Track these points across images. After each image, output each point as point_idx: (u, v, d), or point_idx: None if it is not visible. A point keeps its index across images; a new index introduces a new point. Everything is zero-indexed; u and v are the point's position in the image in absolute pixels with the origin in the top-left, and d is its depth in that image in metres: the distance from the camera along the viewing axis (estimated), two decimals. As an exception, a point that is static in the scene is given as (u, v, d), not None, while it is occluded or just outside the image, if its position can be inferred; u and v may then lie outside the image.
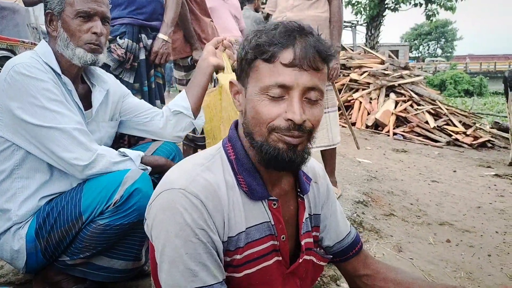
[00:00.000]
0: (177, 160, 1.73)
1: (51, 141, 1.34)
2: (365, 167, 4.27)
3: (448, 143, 7.33)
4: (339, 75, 2.89)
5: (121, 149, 1.49)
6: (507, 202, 3.64)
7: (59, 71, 1.43)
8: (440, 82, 26.43)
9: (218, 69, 1.68)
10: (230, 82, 1.00)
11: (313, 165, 1.16)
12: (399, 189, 3.62)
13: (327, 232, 1.15)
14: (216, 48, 1.67)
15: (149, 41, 2.27)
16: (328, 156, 3.03)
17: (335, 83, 8.92)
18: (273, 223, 0.97)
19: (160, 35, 2.26)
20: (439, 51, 48.15)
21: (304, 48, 0.87)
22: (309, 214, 1.09)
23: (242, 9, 4.84)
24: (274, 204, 0.98)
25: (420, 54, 46.85)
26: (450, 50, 47.60)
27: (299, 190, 1.05)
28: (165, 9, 2.35)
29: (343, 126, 7.68)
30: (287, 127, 0.88)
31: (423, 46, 48.60)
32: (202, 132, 2.04)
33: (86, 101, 1.53)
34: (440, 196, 3.62)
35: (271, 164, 0.91)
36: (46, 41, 1.52)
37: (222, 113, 1.78)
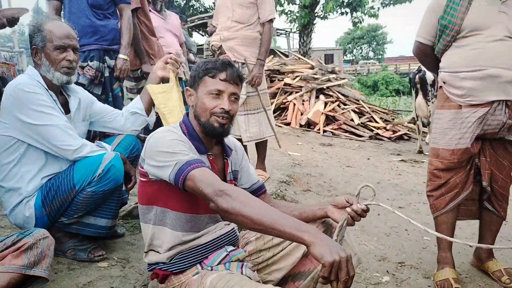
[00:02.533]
0: (137, 148, 2.38)
1: (49, 134, 1.94)
2: (293, 158, 5.06)
3: (370, 137, 8.33)
4: (260, 82, 3.60)
5: (96, 141, 2.13)
6: (402, 179, 4.57)
7: (46, 87, 2.03)
8: (373, 83, 28.14)
9: (164, 79, 2.32)
10: (186, 89, 1.69)
11: (234, 141, 1.86)
12: (317, 172, 4.43)
13: (243, 179, 1.85)
14: (166, 63, 2.31)
15: (112, 61, 2.93)
16: (261, 147, 3.75)
17: (270, 87, 9.71)
18: (210, 168, 1.64)
19: (121, 55, 2.93)
20: (371, 54, 51.05)
21: (231, 73, 1.62)
22: (231, 169, 1.78)
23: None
24: (211, 156, 1.67)
25: (354, 57, 49.46)
26: (381, 53, 50.59)
27: (225, 154, 1.75)
28: (121, 35, 3.01)
29: (279, 126, 8.52)
30: (220, 113, 1.59)
31: (357, 49, 51.34)
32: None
33: (65, 108, 2.13)
34: (350, 176, 4.48)
35: (209, 134, 1.63)
36: (32, 66, 2.11)
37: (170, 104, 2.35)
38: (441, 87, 2.36)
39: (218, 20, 3.82)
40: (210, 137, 1.66)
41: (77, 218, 2.04)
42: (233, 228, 1.73)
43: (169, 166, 1.48)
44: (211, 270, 1.58)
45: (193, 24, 15.54)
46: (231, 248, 1.66)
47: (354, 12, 15.32)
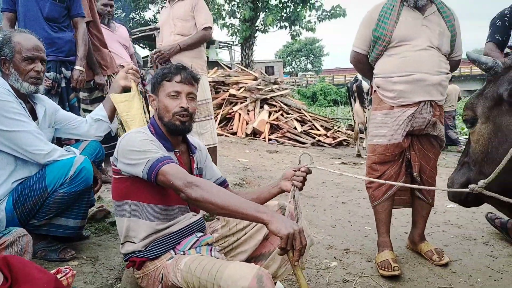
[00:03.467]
0: (101, 153, 2.51)
1: (21, 140, 2.04)
2: (243, 163, 5.30)
3: (313, 144, 8.78)
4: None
5: (65, 146, 2.24)
6: (343, 178, 4.95)
7: (15, 95, 2.13)
8: (312, 93, 29.22)
9: (126, 88, 2.46)
10: (149, 95, 1.86)
11: (198, 141, 2.06)
12: (267, 175, 4.70)
13: (208, 175, 2.04)
14: (127, 73, 2.45)
15: (68, 72, 3.02)
16: (211, 152, 3.95)
17: (215, 98, 9.84)
18: (178, 164, 1.82)
19: (77, 67, 3.03)
20: (309, 66, 52.75)
21: (185, 75, 1.80)
22: (197, 166, 1.98)
23: None
24: (178, 153, 1.85)
25: (293, 69, 50.85)
26: (319, 65, 52.46)
27: (190, 151, 1.94)
28: (77, 47, 3.11)
29: (226, 136, 8.74)
30: (180, 111, 1.77)
31: (295, 62, 52.80)
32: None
33: (32, 115, 2.23)
34: (311, 179, 4.78)
35: (173, 132, 1.81)
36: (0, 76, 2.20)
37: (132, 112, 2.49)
38: (375, 91, 2.70)
39: (162, 36, 4.02)
40: (174, 135, 1.84)
41: (47, 220, 2.14)
42: (201, 217, 1.92)
43: (141, 164, 1.65)
44: (184, 254, 1.76)
45: (135, 36, 15.43)
46: (201, 234, 1.86)
47: (292, 26, 15.98)
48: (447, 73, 2.57)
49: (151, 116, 2.01)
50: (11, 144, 2.04)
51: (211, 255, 1.78)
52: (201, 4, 3.87)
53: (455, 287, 2.43)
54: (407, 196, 2.88)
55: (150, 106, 2.24)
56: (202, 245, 1.81)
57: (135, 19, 29.84)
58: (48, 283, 0.83)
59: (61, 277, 1.18)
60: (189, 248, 1.79)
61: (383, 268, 2.56)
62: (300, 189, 1.92)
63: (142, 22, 30.10)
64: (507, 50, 3.00)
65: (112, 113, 2.50)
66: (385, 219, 2.73)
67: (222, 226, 1.98)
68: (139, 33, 16.49)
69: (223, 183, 2.10)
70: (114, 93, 2.40)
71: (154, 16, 30.00)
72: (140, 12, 31.03)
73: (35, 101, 2.27)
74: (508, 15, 3.06)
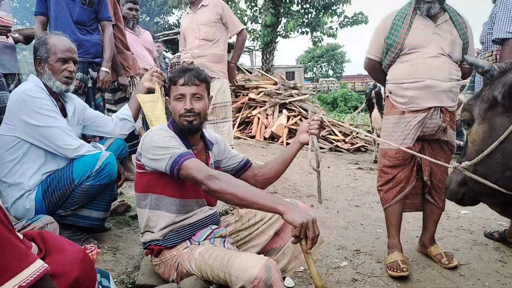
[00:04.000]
0: (125, 150, 2.66)
1: (51, 135, 2.20)
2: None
3: (330, 149, 8.81)
4: (235, 78, 4.31)
5: (92, 142, 2.40)
6: (359, 183, 5.01)
7: (47, 93, 2.29)
8: (332, 100, 29.14)
9: (150, 90, 2.60)
10: (167, 99, 1.99)
11: (215, 136, 2.17)
12: (283, 177, 4.78)
13: (230, 162, 2.17)
14: (152, 75, 2.60)
15: (94, 73, 3.19)
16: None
17: (235, 102, 10.00)
18: None
19: (103, 68, 3.20)
20: (331, 72, 52.61)
21: (188, 76, 1.91)
22: (213, 161, 2.09)
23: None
24: (195, 150, 1.97)
25: (314, 75, 50.79)
26: (340, 71, 52.27)
27: (206, 148, 2.06)
28: (103, 49, 3.28)
29: (244, 139, 8.87)
30: (184, 113, 1.89)
31: (317, 67, 52.72)
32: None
33: (62, 112, 2.39)
34: (312, 181, 4.87)
35: (183, 132, 1.92)
36: (34, 75, 2.36)
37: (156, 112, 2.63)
38: (387, 96, 2.78)
39: (186, 40, 4.21)
40: (187, 134, 1.95)
41: (73, 211, 2.28)
42: (216, 211, 2.04)
43: (164, 159, 1.78)
44: (198, 244, 1.89)
45: (157, 41, 15.72)
46: (215, 226, 1.98)
47: (313, 32, 16.06)
48: (458, 80, 2.63)
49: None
50: (43, 138, 2.20)
51: (224, 247, 1.90)
52: (228, 10, 4.10)
53: (463, 289, 2.48)
54: (418, 200, 2.94)
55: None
56: (216, 237, 1.93)
57: (159, 23, 30.40)
58: (78, 253, 0.95)
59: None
60: (204, 239, 1.91)
61: (392, 269, 2.63)
62: (318, 136, 2.10)
63: (166, 26, 30.63)
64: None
65: (137, 113, 2.65)
66: (396, 221, 2.80)
67: (236, 220, 2.10)
68: (163, 37, 16.79)
69: (246, 164, 2.22)
70: (139, 93, 2.54)
71: (177, 20, 30.50)
72: (164, 16, 31.62)
73: (66, 100, 2.43)
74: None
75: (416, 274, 2.67)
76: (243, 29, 4.15)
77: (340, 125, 10.14)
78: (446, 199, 2.82)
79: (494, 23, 2.92)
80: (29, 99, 2.17)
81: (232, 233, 2.07)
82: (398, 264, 2.63)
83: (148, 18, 28.27)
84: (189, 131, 1.93)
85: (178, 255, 1.86)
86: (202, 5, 4.04)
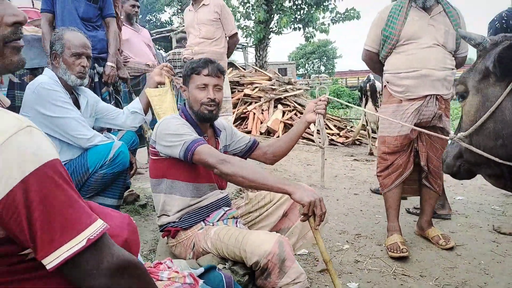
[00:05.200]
0: (136, 142, 2.76)
1: (66, 125, 2.29)
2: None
3: (319, 147, 8.93)
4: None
5: (105, 133, 2.50)
6: (356, 173, 5.15)
7: (62, 86, 2.38)
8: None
9: (160, 84, 2.70)
10: (181, 86, 2.09)
11: (222, 122, 2.27)
12: (282, 168, 4.92)
13: (238, 144, 2.27)
14: (161, 70, 2.69)
15: (100, 68, 3.28)
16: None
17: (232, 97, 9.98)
18: None
19: (109, 63, 3.28)
20: (322, 68, 52.74)
21: (212, 68, 2.02)
22: (222, 146, 2.20)
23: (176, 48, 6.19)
24: (206, 137, 2.07)
25: (306, 71, 50.90)
26: (332, 67, 52.42)
27: (216, 135, 2.17)
28: (108, 44, 3.37)
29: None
30: (208, 102, 2.00)
31: (309, 64, 52.82)
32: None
33: (75, 105, 2.49)
34: (311, 172, 5.01)
35: (202, 120, 2.03)
36: (49, 68, 2.45)
37: (164, 105, 2.73)
38: (385, 86, 2.91)
39: (189, 38, 4.36)
40: (202, 122, 2.07)
41: (88, 198, 2.38)
42: (227, 194, 2.16)
43: (178, 146, 1.88)
44: (213, 225, 2.00)
45: (152, 38, 15.78)
46: (227, 208, 2.09)
47: (306, 28, 16.17)
48: (452, 69, 2.76)
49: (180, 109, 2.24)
50: (58, 129, 2.29)
51: (237, 226, 2.01)
52: (226, 11, 4.26)
53: (460, 268, 2.61)
54: (415, 185, 3.07)
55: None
56: (228, 218, 2.04)
57: (151, 21, 30.37)
58: (124, 218, 1.05)
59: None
60: (217, 220, 2.02)
61: (392, 250, 2.76)
62: (324, 116, 2.23)
63: (158, 24, 30.60)
64: None
65: (147, 106, 2.73)
66: (395, 205, 2.93)
67: (246, 203, 2.21)
68: (156, 35, 16.85)
69: (254, 144, 2.33)
70: (149, 87, 2.64)
71: (169, 18, 30.51)
72: (157, 14, 31.57)
73: (79, 93, 2.52)
74: (505, 18, 3.25)
75: (415, 254, 2.80)
76: (236, 33, 4.40)
77: (335, 119, 10.29)
78: (443, 180, 3.00)
79: None
80: (44, 91, 2.26)
81: (243, 214, 2.18)
82: (398, 245, 2.76)
83: (140, 15, 28.21)
84: (208, 119, 2.05)
85: (194, 235, 1.97)
86: (203, 4, 4.18)
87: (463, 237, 3.11)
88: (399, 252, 2.72)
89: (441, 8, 2.75)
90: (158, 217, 2.08)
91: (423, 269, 2.59)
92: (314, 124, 2.26)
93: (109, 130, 2.81)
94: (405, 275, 2.51)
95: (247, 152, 2.31)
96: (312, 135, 9.15)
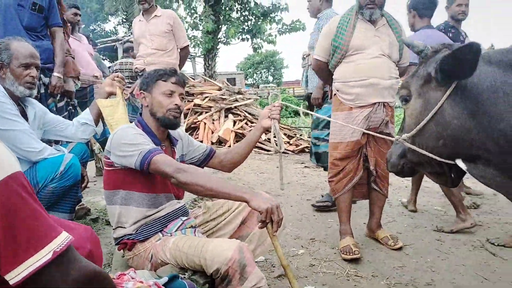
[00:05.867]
0: (87, 154, 2.69)
1: (15, 139, 2.20)
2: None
3: (276, 151, 9.07)
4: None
5: (54, 145, 2.42)
6: (307, 179, 5.27)
7: (9, 97, 2.29)
8: (273, 105, 29.67)
9: (111, 94, 2.65)
10: (140, 92, 2.07)
11: (178, 132, 2.26)
12: (236, 177, 4.95)
13: (195, 153, 2.28)
14: (113, 80, 2.65)
15: (46, 79, 3.17)
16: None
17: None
18: None
19: (55, 74, 3.18)
20: (270, 78, 53.49)
21: (179, 77, 2.04)
22: (179, 155, 2.20)
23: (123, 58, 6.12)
24: (163, 147, 2.06)
25: (254, 81, 51.39)
26: (279, 77, 53.30)
27: (172, 144, 2.16)
28: (55, 55, 3.27)
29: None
30: (174, 108, 2.00)
31: (257, 74, 53.41)
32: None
33: (23, 117, 2.39)
34: (264, 180, 5.07)
35: (166, 126, 2.03)
36: None
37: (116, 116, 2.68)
38: (335, 94, 3.02)
39: (139, 48, 4.32)
40: (166, 128, 2.06)
41: (38, 213, 2.29)
42: (184, 204, 2.15)
43: (134, 155, 1.86)
44: (171, 235, 1.98)
45: (97, 47, 15.36)
46: (185, 217, 2.08)
47: (254, 38, 16.41)
48: (397, 78, 2.92)
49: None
50: (6, 142, 2.19)
51: (195, 236, 2.01)
52: (179, 22, 4.28)
53: (408, 266, 2.74)
54: (365, 189, 3.20)
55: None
56: (187, 228, 2.04)
57: (95, 31, 29.56)
58: (86, 230, 1.03)
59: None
60: (175, 230, 2.01)
61: (345, 253, 2.85)
62: (278, 121, 2.30)
63: (103, 33, 29.84)
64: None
65: (98, 117, 2.67)
66: (346, 209, 3.04)
67: (204, 212, 2.21)
68: (100, 44, 16.42)
69: (210, 152, 2.35)
70: (100, 98, 2.58)
71: (114, 28, 29.85)
72: (101, 23, 30.78)
73: (26, 104, 2.43)
74: (443, 31, 3.51)
75: (367, 256, 2.91)
76: (188, 45, 4.44)
77: (284, 128, 10.47)
78: (389, 185, 3.15)
79: None
80: None
81: (201, 224, 2.18)
82: (350, 248, 2.86)
83: (83, 25, 27.41)
84: (173, 125, 2.05)
85: (152, 247, 1.95)
86: (156, 15, 4.17)
87: (410, 237, 3.26)
88: (351, 254, 2.82)
89: (385, 20, 2.91)
90: (113, 229, 2.03)
91: (374, 269, 2.70)
92: (270, 130, 2.31)
93: (57, 142, 2.72)
94: (358, 276, 2.61)
95: (204, 161, 2.32)
96: (264, 144, 9.31)
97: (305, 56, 4.59)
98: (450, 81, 1.54)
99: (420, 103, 1.67)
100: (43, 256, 0.80)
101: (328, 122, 3.71)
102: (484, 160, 1.53)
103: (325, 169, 3.86)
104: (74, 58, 4.07)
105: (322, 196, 4.08)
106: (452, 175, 1.75)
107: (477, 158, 1.55)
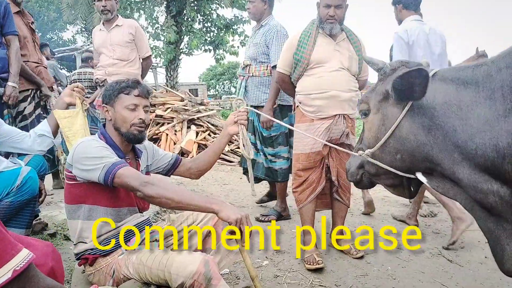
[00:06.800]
0: (44, 167, 2.60)
1: None
2: (175, 179, 5.45)
3: (239, 162, 9.08)
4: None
5: (11, 158, 2.33)
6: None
7: None
8: (236, 116, 29.75)
9: (70, 105, 2.58)
10: (103, 106, 2.03)
11: (144, 144, 2.23)
12: (199, 189, 4.92)
13: (161, 163, 2.26)
14: (73, 91, 2.58)
15: (1, 89, 3.05)
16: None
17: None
18: None
19: (10, 83, 3.07)
20: (233, 89, 53.56)
21: (142, 89, 2.00)
22: (144, 167, 2.16)
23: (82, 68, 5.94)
24: (128, 159, 2.03)
25: (217, 92, 51.35)
26: (242, 88, 53.27)
27: (136, 156, 2.13)
28: (10, 64, 3.16)
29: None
30: (139, 123, 1.96)
31: (219, 85, 53.38)
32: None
33: None
34: (228, 191, 5.06)
35: (131, 141, 1.99)
36: None
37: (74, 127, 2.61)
38: (297, 106, 3.07)
39: (100, 59, 4.22)
40: (131, 143, 2.03)
41: (-9, 229, 2.19)
42: (148, 217, 2.11)
43: (98, 169, 1.81)
44: (134, 250, 1.94)
45: (55, 56, 14.93)
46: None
47: (216, 50, 16.42)
48: (356, 91, 3.01)
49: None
50: (-44, 156, 2.10)
51: (159, 250, 1.97)
52: (141, 32, 4.22)
53: (370, 275, 2.80)
54: (327, 199, 3.26)
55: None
56: (151, 241, 2.00)
57: (53, 39, 28.72)
58: (48, 246, 1.00)
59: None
60: (139, 244, 1.97)
61: (308, 263, 2.88)
62: (246, 126, 2.30)
63: (60, 42, 29.05)
64: None
65: (56, 129, 2.59)
66: (310, 219, 3.07)
67: (168, 225, 2.18)
68: (58, 54, 15.97)
69: (177, 161, 2.32)
70: (58, 109, 2.51)
71: (72, 37, 29.14)
72: (58, 32, 29.98)
73: None
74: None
75: (330, 265, 2.95)
76: (150, 55, 4.40)
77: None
78: (350, 196, 3.22)
79: None
80: None
81: (166, 237, 2.15)
82: (314, 257, 2.89)
83: (40, 34, 26.62)
84: (138, 140, 2.01)
85: (114, 261, 1.90)
86: (117, 25, 4.10)
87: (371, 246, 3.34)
88: (315, 264, 2.85)
89: (345, 35, 2.99)
90: (74, 244, 1.97)
91: (337, 279, 2.74)
92: (237, 135, 2.31)
93: (8, 154, 2.61)
94: (322, 286, 2.64)
95: (171, 170, 2.30)
96: (227, 155, 9.27)
97: (244, 66, 4.19)
98: (406, 99, 1.60)
99: (378, 118, 1.72)
100: (3, 274, 0.77)
101: (283, 139, 3.79)
102: (439, 173, 1.59)
103: (275, 182, 4.10)
104: (46, 68, 3.97)
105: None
106: (412, 188, 1.82)
107: (434, 170, 1.61)
